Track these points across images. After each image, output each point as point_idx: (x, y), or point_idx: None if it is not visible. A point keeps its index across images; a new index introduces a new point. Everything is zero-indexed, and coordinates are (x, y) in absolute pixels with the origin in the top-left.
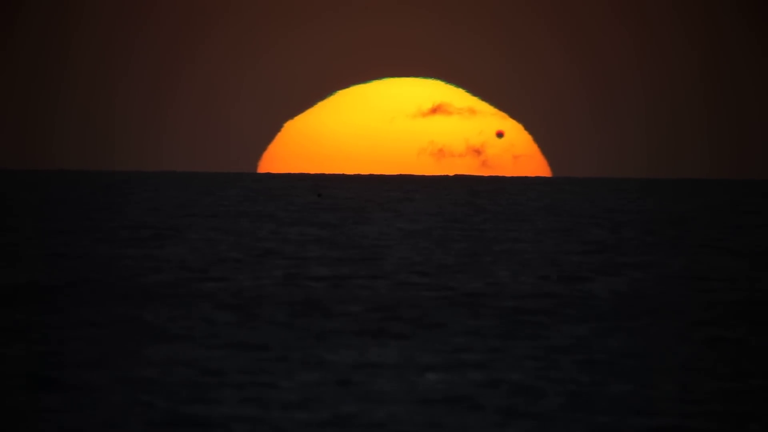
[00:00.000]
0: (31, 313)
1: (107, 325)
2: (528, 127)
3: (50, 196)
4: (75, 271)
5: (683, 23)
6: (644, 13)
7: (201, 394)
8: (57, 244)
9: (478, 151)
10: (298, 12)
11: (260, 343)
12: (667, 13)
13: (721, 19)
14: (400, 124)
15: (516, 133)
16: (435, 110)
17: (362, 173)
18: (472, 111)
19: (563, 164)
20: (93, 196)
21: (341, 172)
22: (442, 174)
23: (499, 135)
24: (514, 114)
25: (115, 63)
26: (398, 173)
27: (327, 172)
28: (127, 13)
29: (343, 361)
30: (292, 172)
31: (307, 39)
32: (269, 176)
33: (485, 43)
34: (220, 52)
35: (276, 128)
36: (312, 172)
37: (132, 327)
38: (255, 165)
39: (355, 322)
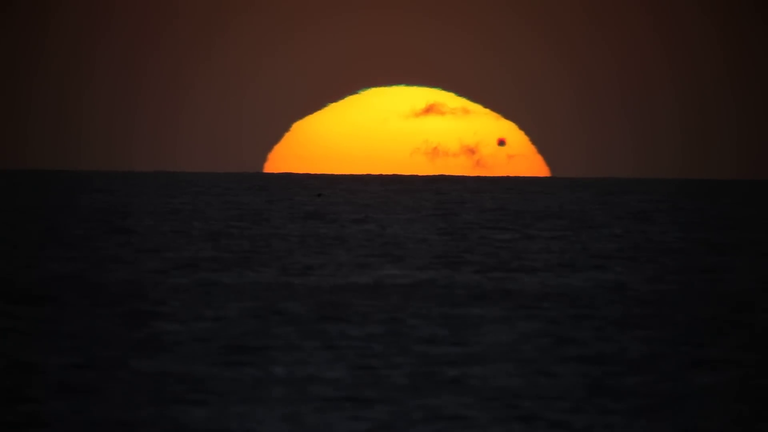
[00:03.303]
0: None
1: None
2: (522, 127)
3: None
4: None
5: (676, 22)
6: (636, 11)
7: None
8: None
9: (472, 151)
10: (310, 13)
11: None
12: (660, 10)
13: (715, 18)
14: (394, 124)
15: (511, 133)
16: (428, 110)
17: (356, 173)
18: (465, 110)
19: (560, 163)
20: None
21: (334, 173)
22: (437, 174)
23: (501, 143)
24: (507, 114)
25: (124, 62)
26: (392, 173)
27: (321, 172)
28: (137, 10)
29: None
30: (292, 172)
31: (320, 42)
32: (266, 176)
33: (471, 45)
34: (231, 53)
35: (285, 128)
36: (306, 172)
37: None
38: (261, 165)
39: None
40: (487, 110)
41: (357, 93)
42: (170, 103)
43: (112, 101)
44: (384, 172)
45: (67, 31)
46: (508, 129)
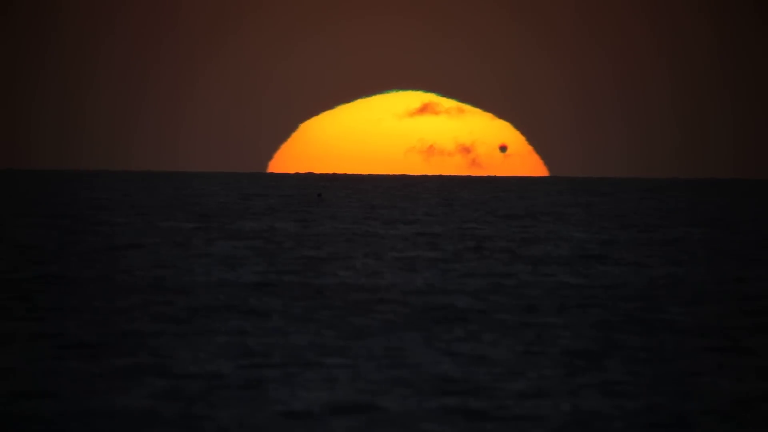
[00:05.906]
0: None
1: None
2: (518, 127)
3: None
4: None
5: (671, 20)
6: (631, 10)
7: None
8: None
9: (467, 150)
10: (314, 18)
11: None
12: (651, 10)
13: (711, 17)
14: (389, 123)
15: (507, 133)
16: (423, 109)
17: (352, 173)
18: (460, 110)
19: (557, 163)
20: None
21: (331, 172)
22: (433, 174)
23: (503, 149)
24: (502, 114)
25: (131, 59)
26: (387, 173)
27: (317, 172)
28: (147, 10)
29: None
30: (291, 172)
31: (325, 46)
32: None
33: (465, 47)
34: (241, 54)
35: (292, 129)
36: (307, 172)
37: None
38: (266, 165)
39: None
40: (479, 110)
41: (385, 93)
42: (175, 103)
43: (118, 100)
44: (379, 172)
45: (71, 29)
46: (504, 128)
